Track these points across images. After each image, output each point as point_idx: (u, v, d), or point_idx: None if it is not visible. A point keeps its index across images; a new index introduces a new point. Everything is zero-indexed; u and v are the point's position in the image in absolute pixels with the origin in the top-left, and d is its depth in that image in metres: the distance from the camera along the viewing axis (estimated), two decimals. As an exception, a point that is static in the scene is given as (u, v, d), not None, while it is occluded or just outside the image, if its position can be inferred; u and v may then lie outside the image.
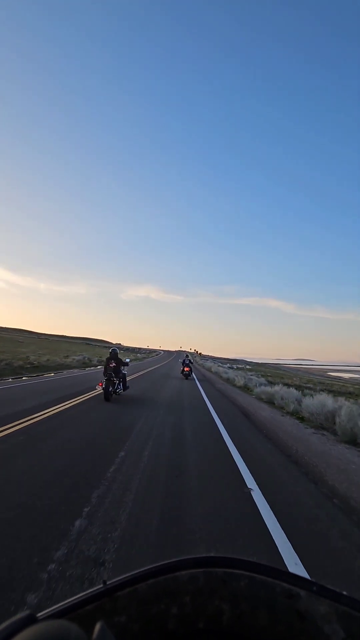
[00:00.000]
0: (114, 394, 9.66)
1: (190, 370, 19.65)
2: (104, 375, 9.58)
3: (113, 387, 9.44)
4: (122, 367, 10.15)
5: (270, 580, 0.40)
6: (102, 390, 9.45)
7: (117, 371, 9.72)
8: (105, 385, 9.26)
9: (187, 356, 21.42)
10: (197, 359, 55.41)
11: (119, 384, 10.00)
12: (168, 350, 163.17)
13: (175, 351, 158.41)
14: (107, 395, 9.16)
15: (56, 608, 0.36)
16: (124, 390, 10.45)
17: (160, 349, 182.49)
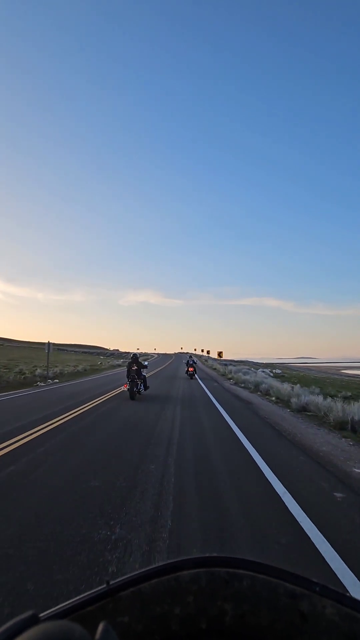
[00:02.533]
0: (137, 394, 10.84)
1: (194, 370, 20.29)
2: (128, 377, 10.82)
3: (137, 388, 10.73)
4: (143, 370, 11.34)
5: (272, 580, 0.39)
6: (127, 390, 10.79)
7: (139, 373, 10.89)
8: (130, 386, 10.59)
9: (190, 357, 22.12)
10: (215, 364, 40.59)
11: (141, 384, 11.11)
12: (165, 353, 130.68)
13: (174, 354, 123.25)
14: (132, 395, 10.51)
15: (59, 608, 0.37)
16: (144, 390, 11.50)
17: (155, 351, 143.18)
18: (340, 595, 0.38)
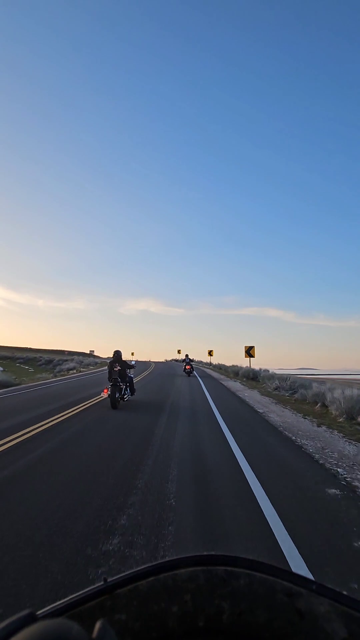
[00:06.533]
0: (121, 401, 9.01)
1: (192, 368, 22.39)
2: (109, 380, 8.89)
3: (120, 393, 8.85)
4: (129, 370, 9.50)
5: (270, 578, 0.40)
6: (107, 397, 8.74)
7: (123, 375, 9.03)
8: (111, 391, 8.59)
9: (187, 355, 24.12)
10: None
11: (126, 389, 9.33)
12: (147, 361, 56.89)
13: (164, 361, 66.17)
14: (113, 403, 8.51)
15: (56, 606, 0.37)
16: (131, 395, 9.77)
17: (132, 358, 52.02)
18: (337, 593, 0.38)
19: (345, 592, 0.39)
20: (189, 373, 22.19)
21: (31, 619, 0.31)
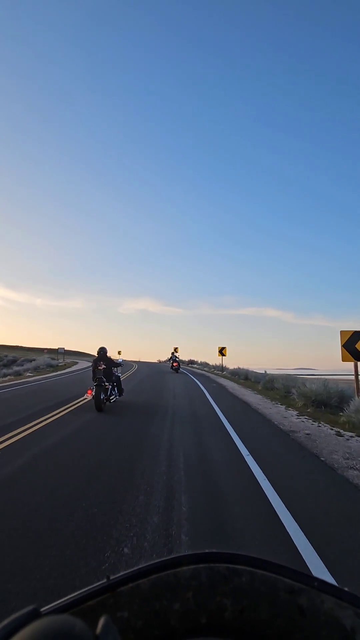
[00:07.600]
0: (107, 402, 8.33)
1: (179, 365, 24.38)
2: (94, 380, 8.26)
3: (106, 394, 8.20)
4: (115, 369, 8.97)
5: (271, 575, 0.40)
6: (92, 398, 8.13)
7: (108, 374, 8.45)
8: (96, 392, 7.94)
9: (172, 353, 26.08)
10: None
11: (112, 389, 8.74)
12: (136, 361, 51.29)
13: (157, 362, 54.23)
14: (98, 405, 7.86)
15: (60, 603, 0.36)
16: (119, 396, 9.11)
17: (119, 357, 29.57)
18: (338, 590, 0.39)
19: (346, 589, 0.39)
20: (177, 370, 24.15)
21: (35, 615, 0.31)
